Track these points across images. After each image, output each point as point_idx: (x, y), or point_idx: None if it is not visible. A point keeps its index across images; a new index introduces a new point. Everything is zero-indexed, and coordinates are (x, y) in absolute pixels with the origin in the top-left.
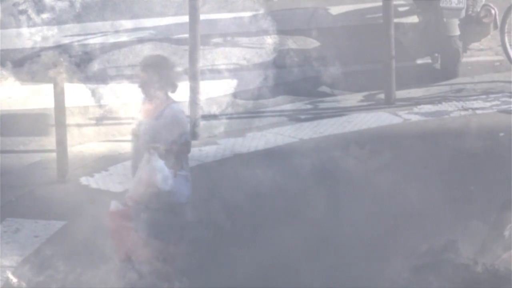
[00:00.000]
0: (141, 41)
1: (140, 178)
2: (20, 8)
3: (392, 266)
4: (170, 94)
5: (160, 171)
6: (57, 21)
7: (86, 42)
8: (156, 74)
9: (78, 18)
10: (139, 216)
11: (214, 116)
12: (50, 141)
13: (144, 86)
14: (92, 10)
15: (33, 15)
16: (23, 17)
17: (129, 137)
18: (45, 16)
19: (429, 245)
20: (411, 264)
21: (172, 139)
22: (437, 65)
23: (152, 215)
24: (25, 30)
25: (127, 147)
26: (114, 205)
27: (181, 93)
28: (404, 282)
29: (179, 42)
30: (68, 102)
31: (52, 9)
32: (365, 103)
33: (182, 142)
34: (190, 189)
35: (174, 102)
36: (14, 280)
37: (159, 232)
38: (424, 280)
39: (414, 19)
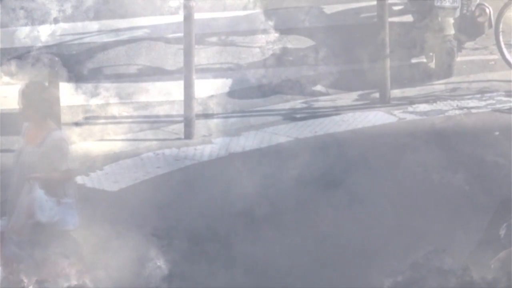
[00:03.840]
0: (136, 40)
1: (21, 208)
2: (15, 7)
3: (388, 268)
4: (51, 121)
5: (38, 202)
6: (53, 20)
7: (81, 41)
8: (35, 102)
9: (73, 17)
10: (18, 247)
11: (209, 115)
12: None
13: (24, 113)
14: (87, 9)
15: (28, 14)
16: (18, 16)
17: (124, 137)
18: (40, 15)
19: (418, 256)
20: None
21: (53, 167)
22: (432, 64)
23: (31, 246)
24: (20, 29)
25: (122, 146)
26: None
27: (176, 93)
28: None
29: (173, 41)
30: (64, 101)
31: (47, 8)
32: (360, 102)
33: (64, 170)
34: (76, 216)
35: (56, 129)
36: (12, 279)
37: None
38: None
39: (408, 18)
